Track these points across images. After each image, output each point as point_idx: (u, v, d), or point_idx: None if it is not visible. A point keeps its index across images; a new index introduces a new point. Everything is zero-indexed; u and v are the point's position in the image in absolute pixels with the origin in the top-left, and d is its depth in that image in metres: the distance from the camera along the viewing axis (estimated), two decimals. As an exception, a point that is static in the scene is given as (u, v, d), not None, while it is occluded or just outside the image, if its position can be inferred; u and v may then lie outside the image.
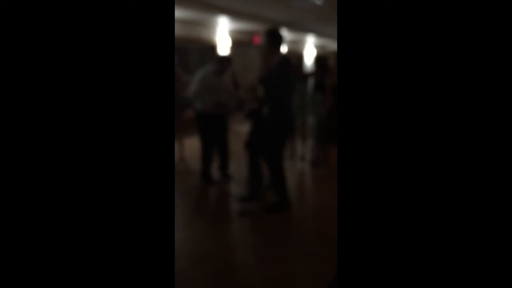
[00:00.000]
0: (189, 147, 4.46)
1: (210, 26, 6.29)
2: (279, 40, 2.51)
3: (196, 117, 3.34)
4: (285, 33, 7.67)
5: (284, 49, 2.63)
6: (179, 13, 5.01)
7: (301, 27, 7.57)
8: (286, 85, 2.55)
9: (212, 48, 6.52)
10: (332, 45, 10.47)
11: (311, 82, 3.89)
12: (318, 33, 8.42)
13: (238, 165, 3.80)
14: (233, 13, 5.64)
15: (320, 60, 3.90)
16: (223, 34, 6.64)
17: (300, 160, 4.16)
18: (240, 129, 5.99)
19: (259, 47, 3.11)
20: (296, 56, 10.00)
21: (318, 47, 10.80)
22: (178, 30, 5.60)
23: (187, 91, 3.31)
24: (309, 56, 10.37)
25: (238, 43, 7.30)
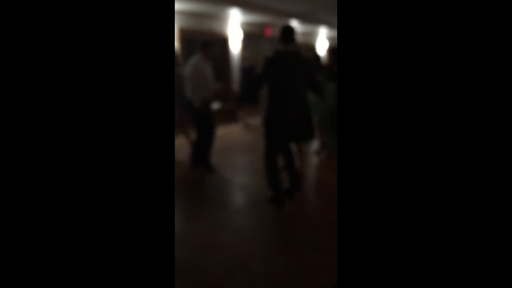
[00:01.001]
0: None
1: (222, 19, 6.23)
2: (288, 34, 2.53)
3: (194, 108, 3.30)
4: (297, 26, 7.50)
5: (294, 43, 2.56)
6: (191, 5, 4.97)
7: (313, 19, 7.42)
8: (279, 74, 2.49)
9: (224, 40, 6.47)
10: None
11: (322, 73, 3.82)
12: (330, 24, 8.25)
13: (250, 156, 3.80)
14: (244, 5, 5.57)
15: (332, 50, 3.81)
16: (234, 26, 6.57)
17: (315, 154, 4.12)
18: (251, 123, 5.97)
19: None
20: (308, 47, 9.86)
21: (330, 39, 10.60)
22: (190, 23, 5.56)
23: (186, 83, 3.27)
24: (321, 47, 10.20)
25: (250, 35, 7.22)
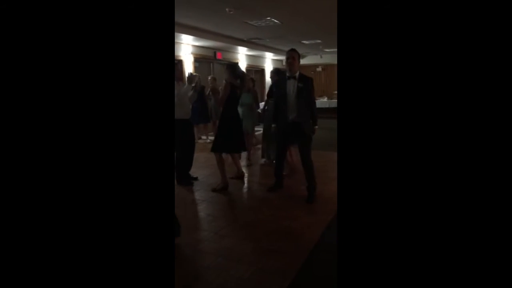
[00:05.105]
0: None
1: (176, 43, 6.19)
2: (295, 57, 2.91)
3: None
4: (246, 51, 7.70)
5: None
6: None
7: (260, 45, 7.69)
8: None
9: (178, 62, 6.40)
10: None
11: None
12: (276, 49, 8.60)
13: (206, 171, 3.71)
14: (197, 31, 5.60)
15: (276, 70, 3.96)
16: (188, 50, 6.57)
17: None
18: (205, 140, 5.90)
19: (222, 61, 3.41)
20: (256, 69, 10.11)
21: (276, 61, 11.03)
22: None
23: None
24: (268, 68, 10.58)
25: (203, 58, 7.24)
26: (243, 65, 8.87)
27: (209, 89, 5.81)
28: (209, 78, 5.78)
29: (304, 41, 7.39)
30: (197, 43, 6.57)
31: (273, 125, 3.15)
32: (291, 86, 2.88)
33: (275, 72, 3.97)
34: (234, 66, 3.32)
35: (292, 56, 2.84)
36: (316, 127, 2.98)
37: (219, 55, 7.58)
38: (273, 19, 5.10)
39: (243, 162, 4.25)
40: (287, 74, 2.92)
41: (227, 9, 4.34)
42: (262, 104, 4.74)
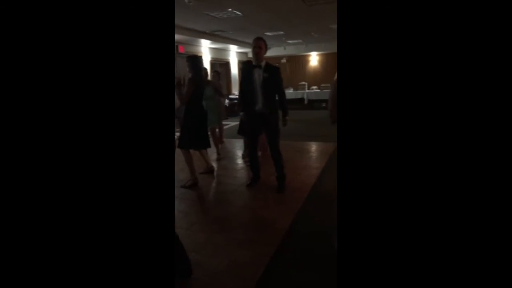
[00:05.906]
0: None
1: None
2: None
3: None
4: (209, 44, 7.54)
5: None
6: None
7: (224, 36, 7.59)
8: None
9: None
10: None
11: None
12: (239, 41, 8.54)
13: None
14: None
15: (245, 62, 3.94)
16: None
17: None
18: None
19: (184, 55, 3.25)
20: (221, 63, 10.00)
21: (241, 54, 10.97)
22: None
23: None
24: (234, 62, 10.49)
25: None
26: (207, 58, 8.72)
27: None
28: None
29: (268, 33, 7.42)
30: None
31: (241, 113, 3.01)
32: (257, 76, 2.83)
33: (244, 63, 3.94)
34: (195, 58, 3.20)
35: (259, 45, 2.77)
36: (288, 117, 2.97)
37: (181, 49, 7.38)
38: (234, 11, 5.05)
39: (212, 156, 4.22)
40: (253, 63, 2.86)
41: (186, 0, 4.22)
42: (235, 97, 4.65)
